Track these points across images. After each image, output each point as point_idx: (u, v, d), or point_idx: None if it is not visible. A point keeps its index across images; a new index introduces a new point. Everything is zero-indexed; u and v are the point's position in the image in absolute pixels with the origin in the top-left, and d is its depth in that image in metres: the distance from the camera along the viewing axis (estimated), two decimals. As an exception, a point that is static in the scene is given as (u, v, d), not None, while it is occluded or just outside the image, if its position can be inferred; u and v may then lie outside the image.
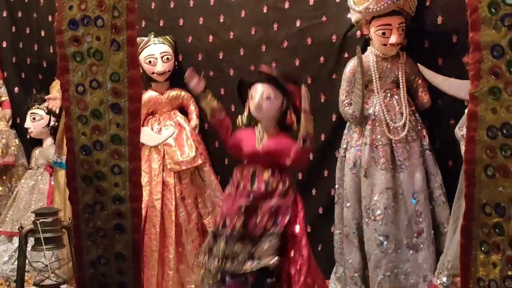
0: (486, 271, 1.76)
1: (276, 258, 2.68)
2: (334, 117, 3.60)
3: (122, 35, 2.04)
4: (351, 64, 3.31)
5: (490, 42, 1.67)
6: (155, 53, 3.83)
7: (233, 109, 3.90)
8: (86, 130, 2.09)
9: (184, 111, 4.03)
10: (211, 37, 3.94)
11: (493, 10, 1.65)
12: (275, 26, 3.73)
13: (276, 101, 2.79)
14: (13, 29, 4.63)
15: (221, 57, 3.94)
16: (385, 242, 3.18)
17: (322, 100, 3.65)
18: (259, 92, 2.77)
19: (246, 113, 2.88)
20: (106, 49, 2.05)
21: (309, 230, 3.68)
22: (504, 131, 1.68)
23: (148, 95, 3.86)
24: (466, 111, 2.93)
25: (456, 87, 3.14)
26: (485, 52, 1.68)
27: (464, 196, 1.82)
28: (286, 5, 3.67)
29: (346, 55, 3.51)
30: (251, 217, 2.76)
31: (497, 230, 1.72)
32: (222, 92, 3.94)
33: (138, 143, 2.10)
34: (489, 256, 1.75)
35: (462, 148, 2.98)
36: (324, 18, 3.58)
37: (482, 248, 1.76)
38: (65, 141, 3.94)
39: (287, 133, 2.85)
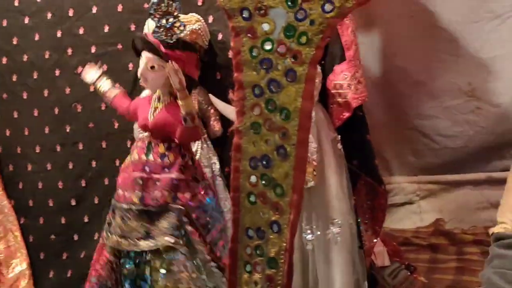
0: (249, 290, 1.92)
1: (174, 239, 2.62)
2: (128, 143, 3.65)
3: None
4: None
5: (251, 82, 1.84)
6: None
7: (26, 133, 3.87)
8: None
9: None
10: (3, 59, 3.87)
11: (254, 54, 1.83)
12: (70, 51, 3.75)
13: (161, 71, 2.66)
14: None
15: (14, 80, 3.88)
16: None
17: (116, 127, 3.73)
18: (143, 62, 2.69)
19: None
20: None
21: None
22: (264, 162, 1.85)
23: None
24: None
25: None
26: (247, 91, 1.85)
27: (231, 221, 1.97)
28: (81, 31, 3.71)
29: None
30: (148, 191, 2.67)
31: (257, 251, 1.89)
32: (15, 115, 3.89)
33: None
34: (252, 275, 1.91)
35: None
36: (120, 46, 3.66)
37: (246, 268, 1.91)
38: None
39: None
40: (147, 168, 2.70)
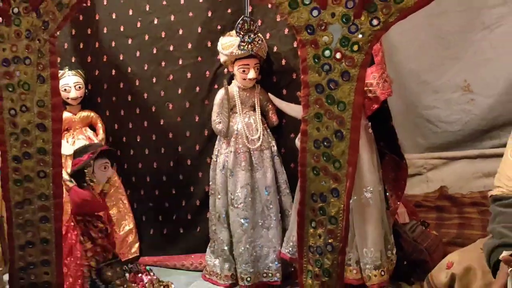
0: (314, 240, 1.90)
1: None
2: (206, 132, 3.66)
3: (46, 71, 2.02)
4: (220, 93, 3.39)
5: (315, 82, 1.82)
6: (70, 82, 3.73)
7: (130, 126, 3.91)
8: (17, 144, 2.05)
9: (93, 127, 3.94)
10: (113, 71, 3.89)
11: (316, 60, 1.80)
12: (163, 63, 3.74)
13: None
14: None
15: (121, 86, 3.89)
16: (245, 224, 3.27)
17: (197, 120, 3.70)
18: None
19: None
20: (33, 82, 2.02)
21: (189, 217, 3.80)
22: (325, 143, 1.83)
23: (64, 115, 3.73)
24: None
25: (296, 110, 3.31)
26: (311, 89, 1.83)
27: (299, 188, 1.95)
28: (171, 48, 3.70)
29: (216, 86, 3.58)
30: None
31: (321, 211, 1.88)
32: (122, 113, 3.92)
33: (60, 154, 2.09)
34: (316, 230, 1.90)
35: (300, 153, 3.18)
36: (199, 58, 3.64)
37: (311, 224, 1.90)
38: None
39: None
40: None
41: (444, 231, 3.91)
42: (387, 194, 3.17)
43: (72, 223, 2.74)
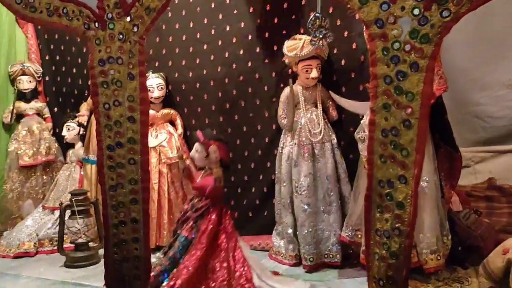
0: (381, 224, 1.75)
1: None
2: (274, 126, 3.55)
3: (136, 69, 1.97)
4: (285, 92, 3.28)
5: (383, 74, 1.66)
6: (153, 84, 3.74)
7: (206, 122, 3.86)
8: (111, 134, 2.01)
9: (173, 123, 3.92)
10: (190, 73, 3.85)
11: (385, 53, 1.64)
12: (234, 65, 3.67)
13: (201, 154, 2.67)
14: (53, 67, 4.42)
15: (197, 87, 3.85)
16: (308, 209, 3.14)
17: (266, 115, 3.60)
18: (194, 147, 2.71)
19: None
20: (124, 79, 1.97)
21: (257, 202, 3.71)
22: (393, 132, 1.67)
23: (148, 112, 3.76)
24: (361, 121, 3.01)
25: (355, 106, 3.16)
26: (380, 80, 1.67)
27: (366, 175, 1.80)
28: (241, 52, 3.62)
29: (281, 85, 3.46)
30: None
31: (388, 197, 1.71)
32: (199, 110, 3.87)
33: (147, 143, 2.04)
34: (383, 214, 1.74)
35: (359, 146, 3.01)
36: (266, 61, 3.54)
37: (378, 209, 1.75)
38: (91, 144, 3.91)
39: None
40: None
41: (495, 219, 3.61)
42: (442, 183, 2.96)
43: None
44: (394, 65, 1.63)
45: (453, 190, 3.08)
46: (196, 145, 2.71)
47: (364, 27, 1.66)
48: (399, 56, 1.62)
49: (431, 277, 2.76)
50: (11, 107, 4.18)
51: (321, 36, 2.18)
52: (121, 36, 1.97)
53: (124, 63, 1.98)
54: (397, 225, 1.71)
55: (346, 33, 3.20)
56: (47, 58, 4.41)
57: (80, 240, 3.46)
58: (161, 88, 3.79)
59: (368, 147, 1.74)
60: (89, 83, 2.08)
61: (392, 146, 1.68)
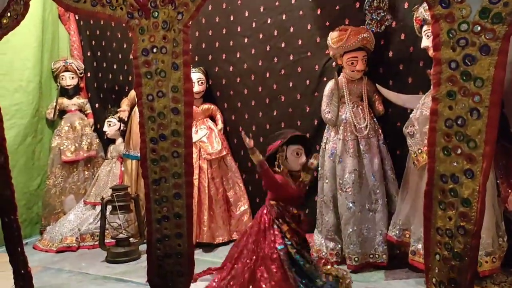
0: (443, 222, 1.60)
1: None
2: (315, 122, 3.42)
3: (180, 59, 1.89)
4: (329, 85, 3.14)
5: (448, 59, 1.51)
6: (193, 78, 3.66)
7: (246, 117, 3.76)
8: (154, 126, 1.93)
9: (213, 118, 3.85)
10: (231, 67, 3.76)
11: (451, 35, 1.49)
12: (275, 59, 3.55)
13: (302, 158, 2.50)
14: (94, 64, 4.43)
15: (238, 81, 3.75)
16: (353, 207, 2.99)
17: (307, 111, 3.47)
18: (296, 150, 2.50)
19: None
20: (168, 69, 1.89)
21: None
22: (458, 122, 1.52)
23: (188, 107, 3.70)
24: (411, 115, 2.84)
25: (403, 100, 3.00)
26: (444, 66, 1.52)
27: (427, 169, 1.65)
28: (283, 45, 3.50)
29: (324, 79, 3.32)
30: None
31: (452, 193, 1.56)
32: (239, 105, 3.78)
33: (191, 135, 1.95)
34: (446, 212, 1.59)
35: (408, 141, 2.84)
36: (309, 54, 3.41)
37: (440, 206, 1.59)
38: (131, 139, 3.89)
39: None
40: None
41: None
42: (498, 181, 2.76)
43: (266, 210, 2.48)
44: (461, 48, 1.48)
45: (510, 189, 2.87)
46: (299, 148, 2.48)
47: (427, 7, 1.51)
48: (468, 38, 1.46)
49: (486, 280, 2.58)
50: (54, 103, 4.20)
51: (378, 18, 2.02)
52: (165, 25, 1.89)
53: (168, 52, 1.90)
54: (462, 224, 1.55)
55: (394, 24, 3.03)
56: (88, 54, 4.42)
57: (120, 236, 3.43)
58: (202, 83, 3.72)
59: (429, 139, 1.59)
60: (130, 78, 2.02)
61: (457, 138, 1.53)
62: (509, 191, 2.88)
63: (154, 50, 1.92)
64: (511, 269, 2.70)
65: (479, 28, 1.44)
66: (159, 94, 1.93)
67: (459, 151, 1.53)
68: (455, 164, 1.55)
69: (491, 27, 1.43)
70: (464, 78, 1.49)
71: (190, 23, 1.90)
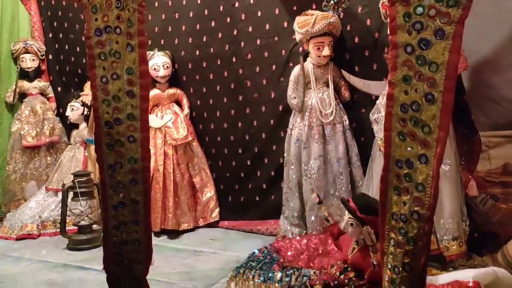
0: (398, 208, 1.59)
1: None
2: (281, 107, 3.38)
3: (135, 40, 1.81)
4: (296, 70, 3.12)
5: (404, 42, 1.49)
6: (158, 62, 3.58)
7: (211, 102, 3.70)
8: (109, 110, 1.86)
9: (179, 103, 3.77)
10: (197, 51, 3.68)
11: (406, 19, 1.47)
12: (242, 43, 3.49)
13: (357, 228, 2.33)
14: (56, 46, 4.27)
15: (204, 66, 3.68)
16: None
17: (272, 96, 3.43)
18: (345, 219, 2.41)
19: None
20: (123, 50, 1.82)
21: (264, 186, 3.56)
22: (414, 107, 1.50)
23: (153, 92, 3.60)
24: (377, 102, 2.84)
25: (369, 86, 3.01)
26: (400, 50, 1.50)
27: (383, 154, 1.64)
28: (250, 29, 3.44)
29: (291, 64, 3.29)
30: None
31: (406, 178, 1.56)
32: (204, 90, 3.71)
33: (147, 119, 1.88)
34: (401, 197, 1.58)
35: (374, 128, 2.84)
36: (276, 38, 3.37)
37: (395, 191, 1.59)
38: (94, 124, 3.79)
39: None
40: None
41: (511, 205, 3.46)
42: (459, 167, 2.80)
43: None
44: (417, 32, 1.46)
45: (471, 175, 2.93)
46: (348, 217, 2.37)
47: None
48: (423, 22, 1.44)
49: (447, 264, 2.62)
50: (14, 86, 4.05)
51: (335, 1, 2.00)
52: (118, 4, 1.80)
53: (122, 33, 1.82)
54: (415, 209, 1.55)
55: (360, 9, 3.02)
56: (50, 35, 4.27)
57: (83, 223, 3.36)
58: (167, 66, 3.64)
59: (385, 124, 1.58)
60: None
61: (412, 123, 1.52)
62: (470, 177, 2.93)
63: (108, 30, 1.84)
64: (470, 253, 2.75)
65: (434, 11, 1.42)
66: (114, 76, 1.86)
67: (413, 136, 1.53)
68: (409, 149, 1.54)
69: (446, 10, 1.41)
70: (419, 62, 1.47)
71: (145, 2, 1.83)
